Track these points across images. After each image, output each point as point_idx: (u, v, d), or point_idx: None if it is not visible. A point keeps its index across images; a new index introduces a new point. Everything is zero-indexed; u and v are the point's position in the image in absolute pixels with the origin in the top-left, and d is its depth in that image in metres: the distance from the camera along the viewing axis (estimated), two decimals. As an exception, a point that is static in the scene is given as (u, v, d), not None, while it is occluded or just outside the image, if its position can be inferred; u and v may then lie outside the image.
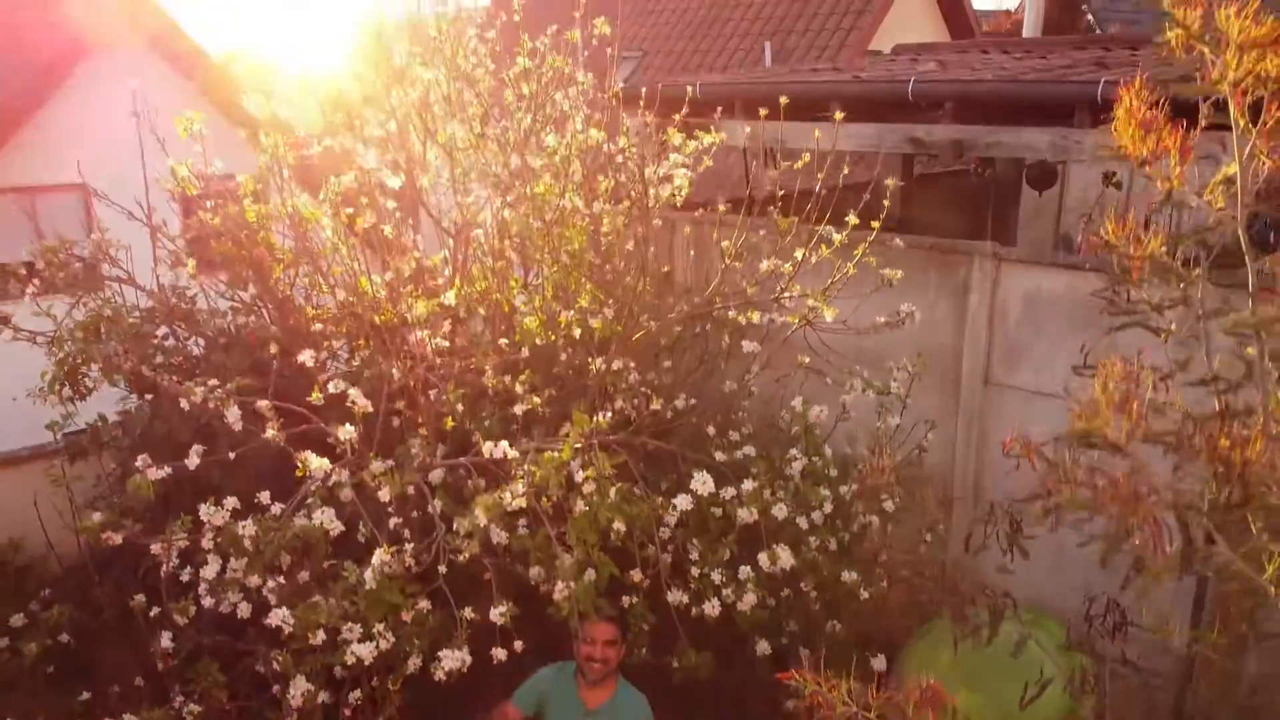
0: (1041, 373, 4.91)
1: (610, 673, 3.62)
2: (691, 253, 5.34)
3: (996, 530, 2.76)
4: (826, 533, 4.26)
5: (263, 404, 3.15)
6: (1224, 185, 2.30)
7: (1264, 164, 2.21)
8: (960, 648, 3.04)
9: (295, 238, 4.61)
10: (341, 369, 4.67)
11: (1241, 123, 1.92)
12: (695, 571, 3.95)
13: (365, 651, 3.10)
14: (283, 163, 4.56)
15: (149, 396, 4.24)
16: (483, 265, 4.59)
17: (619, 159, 4.77)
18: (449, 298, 4.13)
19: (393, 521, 3.55)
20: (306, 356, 3.27)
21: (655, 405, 4.31)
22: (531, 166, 4.51)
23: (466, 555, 3.07)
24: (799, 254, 4.15)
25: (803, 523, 4.17)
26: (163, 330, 4.38)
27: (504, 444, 3.18)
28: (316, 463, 3.11)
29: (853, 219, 3.95)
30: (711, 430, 4.50)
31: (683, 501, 3.61)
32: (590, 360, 4.29)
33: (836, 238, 3.99)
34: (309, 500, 3.47)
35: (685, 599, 3.87)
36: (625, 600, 3.92)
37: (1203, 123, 2.21)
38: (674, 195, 4.79)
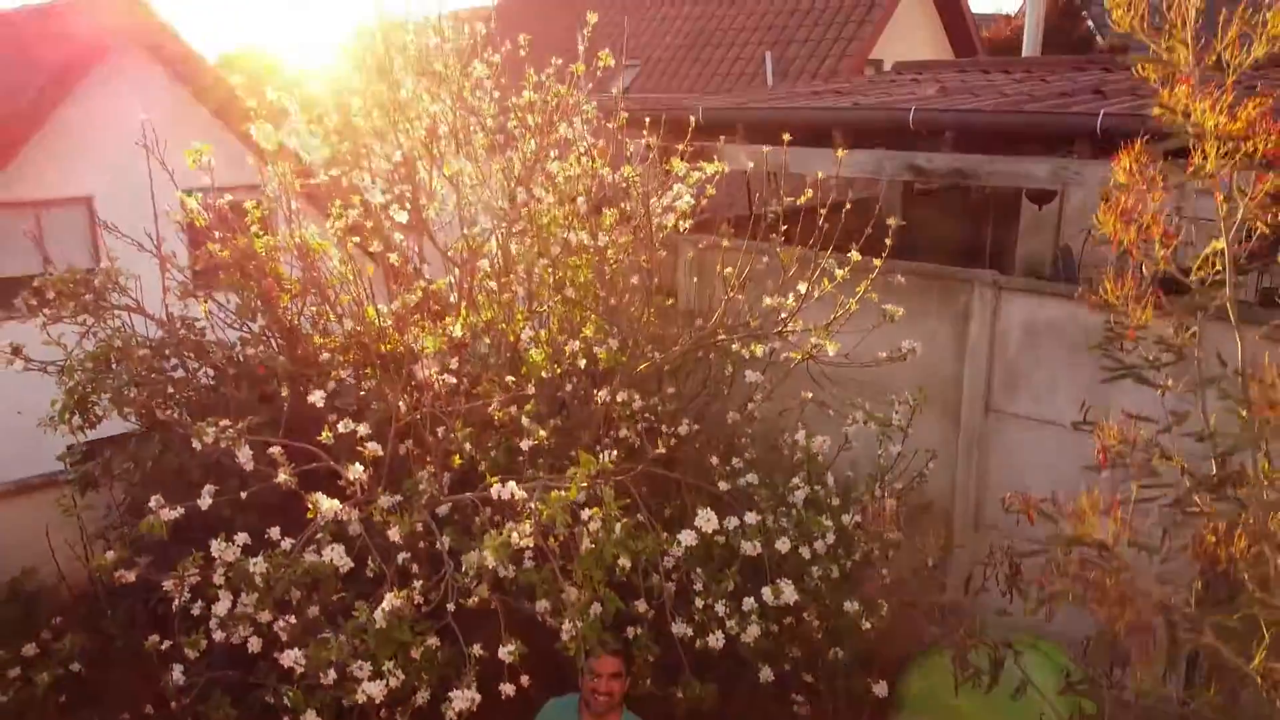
0: (1042, 400, 4.96)
1: (615, 705, 3.67)
2: (695, 280, 5.38)
3: (996, 572, 2.81)
4: (829, 561, 4.31)
5: (275, 450, 3.19)
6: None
7: (1256, 225, 2.27)
8: (960, 682, 3.10)
9: (303, 267, 4.66)
10: (349, 402, 4.73)
11: (1225, 207, 1.97)
12: (699, 603, 4.00)
13: (375, 689, 3.14)
14: (290, 193, 4.62)
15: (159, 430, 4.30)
16: (489, 295, 4.64)
17: (623, 185, 4.83)
18: (455, 329, 4.18)
19: (401, 556, 3.59)
20: (317, 398, 3.31)
21: (660, 434, 4.37)
22: (537, 198, 4.56)
23: (476, 600, 3.11)
24: (802, 287, 4.20)
25: (805, 552, 4.22)
26: (172, 361, 4.42)
27: (511, 485, 3.22)
28: (327, 504, 3.16)
29: (855, 255, 4.00)
30: (715, 460, 4.55)
31: (687, 538, 3.66)
32: (595, 390, 4.35)
33: (839, 273, 4.04)
34: (318, 536, 3.52)
35: (690, 631, 3.91)
36: (630, 631, 3.98)
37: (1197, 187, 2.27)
38: (678, 224, 4.85)
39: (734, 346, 4.39)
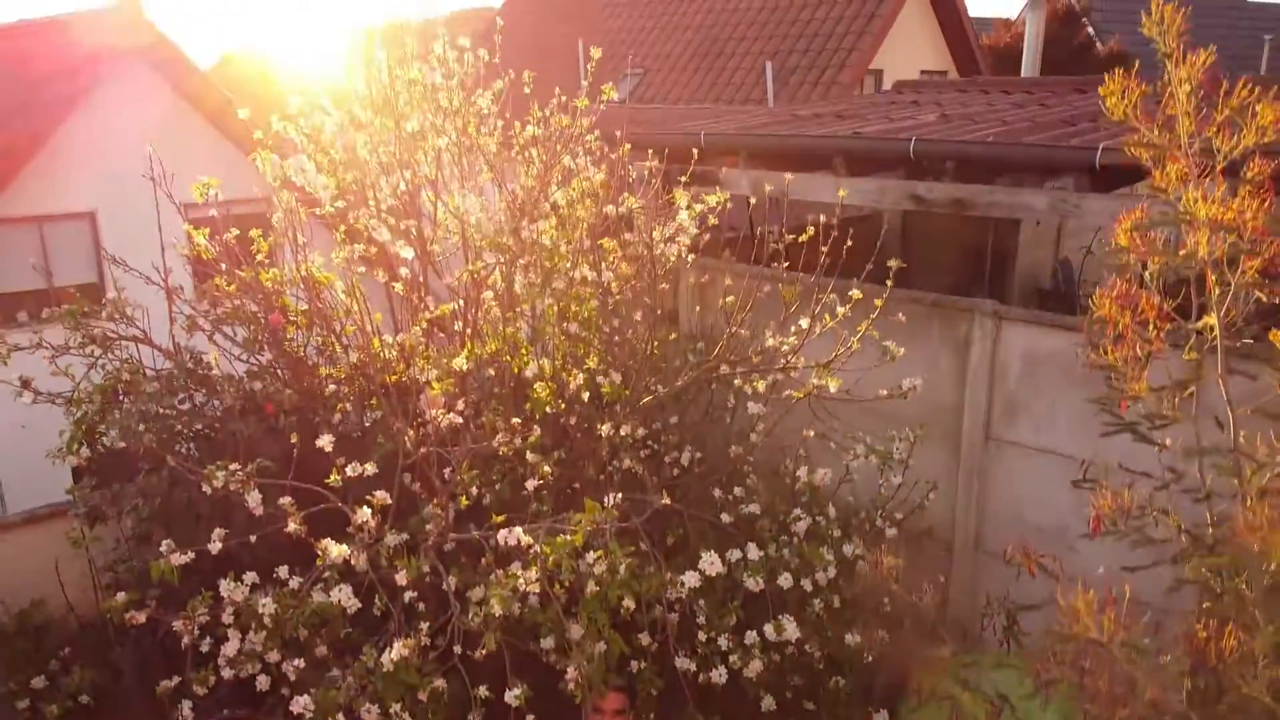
0: (1042, 430, 5.00)
1: (619, 741, 3.72)
2: (697, 308, 5.43)
3: (994, 622, 2.87)
4: (830, 592, 4.36)
5: (284, 501, 3.24)
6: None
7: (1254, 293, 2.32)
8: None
9: (308, 298, 4.70)
10: (354, 427, 4.77)
11: (1217, 291, 2.02)
12: (702, 636, 4.05)
13: (383, 731, 3.19)
14: (297, 226, 4.66)
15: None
16: (493, 327, 4.68)
17: (625, 216, 4.87)
18: (460, 362, 4.22)
19: (408, 595, 3.64)
20: (325, 442, 3.35)
21: (663, 462, 4.41)
22: (540, 231, 4.60)
23: (484, 652, 3.15)
24: (804, 323, 4.24)
25: (807, 584, 4.26)
26: (180, 395, 4.47)
27: (518, 531, 3.27)
28: (335, 550, 3.20)
29: (856, 293, 4.04)
30: (718, 492, 4.59)
31: (691, 579, 3.70)
32: (599, 424, 4.39)
33: (841, 310, 4.08)
34: (326, 575, 3.56)
35: (693, 666, 3.96)
36: (634, 665, 4.02)
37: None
38: (680, 254, 4.89)
39: (736, 382, 4.43)
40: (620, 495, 3.43)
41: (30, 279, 9.40)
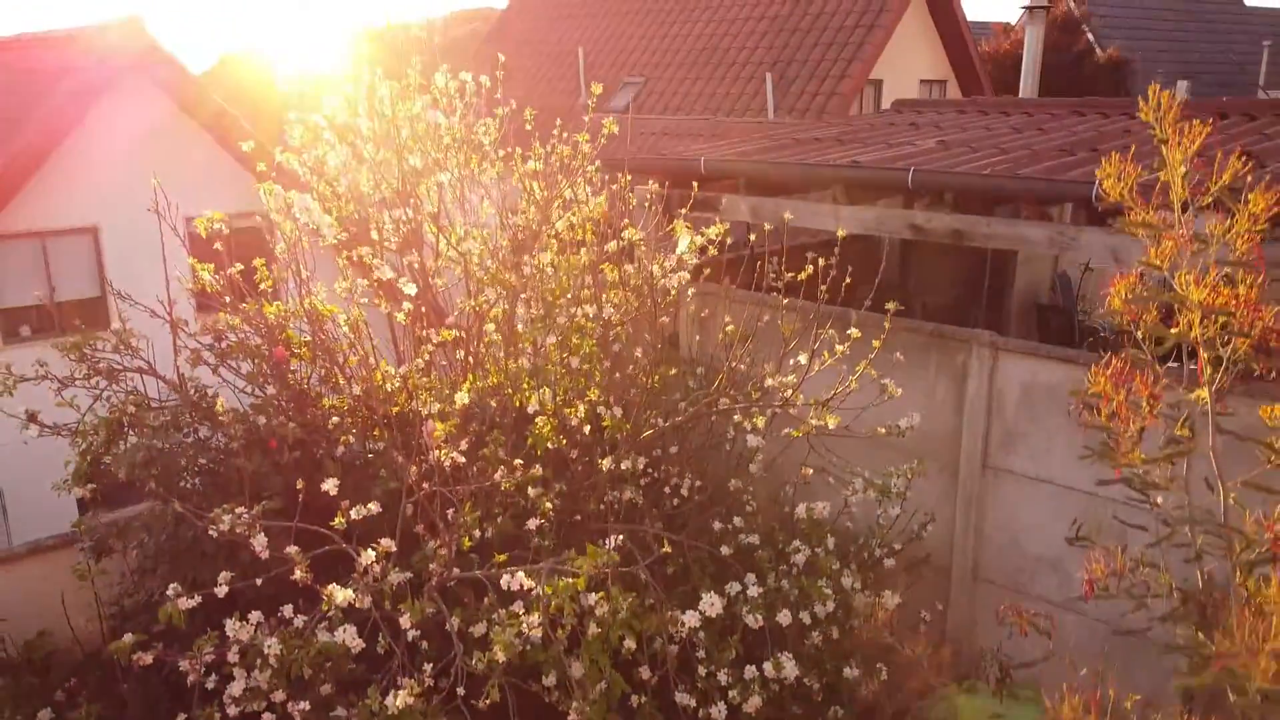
0: (1038, 459, 5.04)
1: (620, 776, 3.75)
2: (697, 337, 5.47)
3: (988, 674, 2.91)
4: (829, 624, 4.40)
5: (291, 549, 3.28)
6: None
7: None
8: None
9: (312, 331, 4.73)
10: (357, 454, 4.81)
11: (1208, 371, 2.06)
12: (702, 670, 4.09)
13: (388, 773, 3.23)
14: (301, 260, 4.70)
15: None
16: (495, 361, 4.73)
17: (625, 247, 4.91)
18: (462, 396, 4.26)
19: (411, 634, 3.67)
20: (330, 485, 3.39)
21: (663, 493, 4.44)
22: (541, 265, 4.64)
23: (487, 702, 3.19)
24: (803, 358, 4.28)
25: (806, 618, 4.30)
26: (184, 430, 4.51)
27: (520, 575, 3.31)
28: (341, 595, 3.24)
29: (855, 331, 4.08)
30: (717, 524, 4.63)
31: (690, 619, 3.74)
32: (601, 457, 4.43)
33: (840, 348, 4.12)
34: (330, 614, 3.60)
35: (693, 701, 4.00)
36: (634, 699, 4.06)
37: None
38: (680, 284, 4.93)
39: (736, 418, 4.47)
40: (621, 537, 3.47)
41: (33, 293, 9.48)
